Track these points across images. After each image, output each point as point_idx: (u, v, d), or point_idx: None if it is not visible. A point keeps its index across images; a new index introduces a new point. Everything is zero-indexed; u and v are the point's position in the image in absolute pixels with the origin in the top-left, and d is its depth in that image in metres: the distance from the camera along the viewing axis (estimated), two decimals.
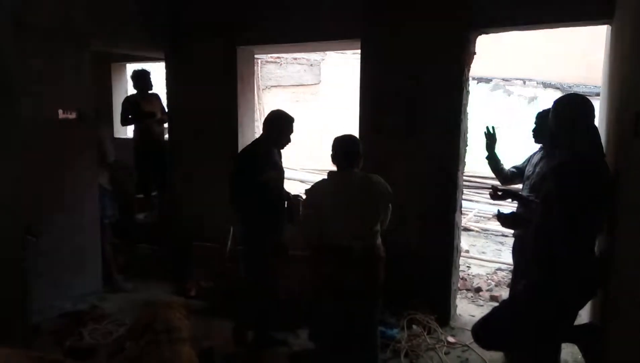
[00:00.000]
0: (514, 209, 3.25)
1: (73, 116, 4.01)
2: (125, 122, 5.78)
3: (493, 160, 3.56)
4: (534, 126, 3.32)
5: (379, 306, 3.00)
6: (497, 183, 3.61)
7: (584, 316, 3.36)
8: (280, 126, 3.39)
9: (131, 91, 7.19)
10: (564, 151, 2.55)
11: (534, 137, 3.34)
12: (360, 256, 2.76)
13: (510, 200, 3.30)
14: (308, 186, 3.40)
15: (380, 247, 2.89)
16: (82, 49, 4.13)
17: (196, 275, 4.54)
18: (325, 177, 2.94)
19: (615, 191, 2.37)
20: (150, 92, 5.48)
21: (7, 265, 3.79)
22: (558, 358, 2.85)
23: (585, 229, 2.35)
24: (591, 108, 2.49)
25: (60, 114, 3.92)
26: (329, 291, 2.87)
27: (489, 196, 3.36)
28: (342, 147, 2.85)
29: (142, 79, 5.51)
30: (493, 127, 3.57)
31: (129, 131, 7.37)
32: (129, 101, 5.64)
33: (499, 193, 3.20)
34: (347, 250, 2.74)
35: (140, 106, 5.51)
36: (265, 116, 3.53)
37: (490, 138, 3.52)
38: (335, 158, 2.87)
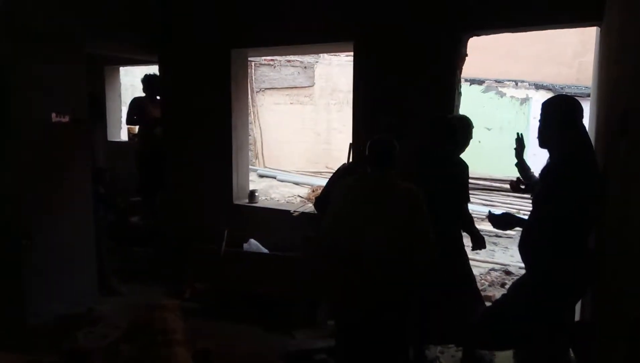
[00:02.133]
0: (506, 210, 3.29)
1: (66, 119, 4.01)
2: (130, 122, 5.83)
3: (521, 167, 3.35)
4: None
5: (403, 332, 2.66)
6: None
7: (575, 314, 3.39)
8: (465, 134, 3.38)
9: (124, 93, 7.24)
10: (554, 152, 2.59)
11: (539, 142, 3.27)
12: (393, 271, 2.46)
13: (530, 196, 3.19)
14: (305, 188, 3.37)
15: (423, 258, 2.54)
16: (77, 52, 4.13)
17: (191, 277, 4.54)
18: (357, 175, 2.74)
19: (604, 191, 2.40)
20: (158, 97, 5.51)
21: (2, 267, 3.80)
22: (568, 356, 2.86)
23: (574, 229, 2.38)
24: (579, 109, 2.53)
25: (54, 117, 3.92)
26: (353, 310, 2.58)
27: (509, 186, 3.43)
28: (379, 148, 2.63)
29: (152, 84, 5.55)
30: (521, 134, 3.42)
31: (123, 135, 7.38)
32: (136, 102, 5.66)
33: (522, 186, 3.22)
34: (362, 258, 2.47)
35: (147, 109, 5.54)
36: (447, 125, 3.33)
37: (520, 145, 3.34)
38: (369, 159, 2.65)
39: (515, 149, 3.36)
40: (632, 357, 1.55)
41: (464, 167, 3.20)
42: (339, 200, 2.65)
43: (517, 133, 3.44)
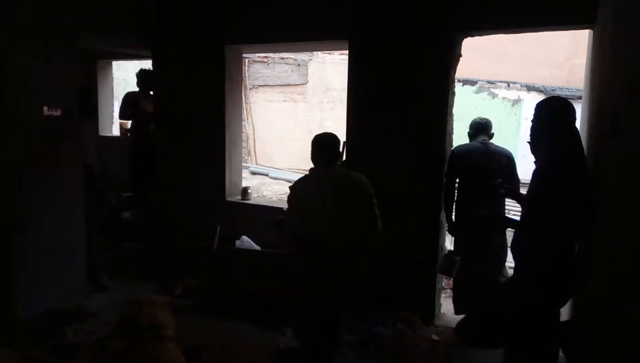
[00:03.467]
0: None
1: (58, 113, 3.97)
2: (123, 116, 5.79)
3: (515, 196, 3.32)
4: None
5: (356, 300, 3.09)
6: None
7: (563, 314, 3.43)
8: None
9: (117, 88, 7.18)
10: (545, 153, 2.61)
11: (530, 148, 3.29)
12: (342, 250, 2.81)
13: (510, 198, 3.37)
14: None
15: (371, 239, 2.91)
16: (69, 46, 4.10)
17: (182, 273, 4.52)
18: (307, 174, 2.99)
19: (594, 192, 2.43)
20: (151, 92, 5.48)
21: None
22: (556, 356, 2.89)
23: (564, 229, 2.40)
24: (572, 111, 2.55)
25: (45, 111, 3.88)
26: (313, 286, 2.93)
27: (493, 186, 3.35)
28: (323, 145, 2.91)
29: (146, 79, 5.52)
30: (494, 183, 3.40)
31: (115, 129, 7.33)
32: (130, 97, 5.62)
33: (502, 190, 3.25)
34: (325, 244, 2.80)
35: (141, 104, 5.51)
36: None
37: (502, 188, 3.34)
38: (315, 156, 2.93)
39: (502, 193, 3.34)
40: (632, 357, 1.56)
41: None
42: (299, 194, 2.93)
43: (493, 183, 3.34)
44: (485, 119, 4.00)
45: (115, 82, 7.23)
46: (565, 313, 3.42)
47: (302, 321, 3.08)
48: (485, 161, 3.76)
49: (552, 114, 2.54)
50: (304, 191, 2.92)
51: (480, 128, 3.94)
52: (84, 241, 4.35)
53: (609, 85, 2.40)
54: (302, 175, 3.09)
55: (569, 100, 2.65)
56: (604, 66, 2.63)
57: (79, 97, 4.22)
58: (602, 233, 2.22)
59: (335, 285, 2.87)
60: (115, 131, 7.32)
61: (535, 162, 2.79)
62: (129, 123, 6.08)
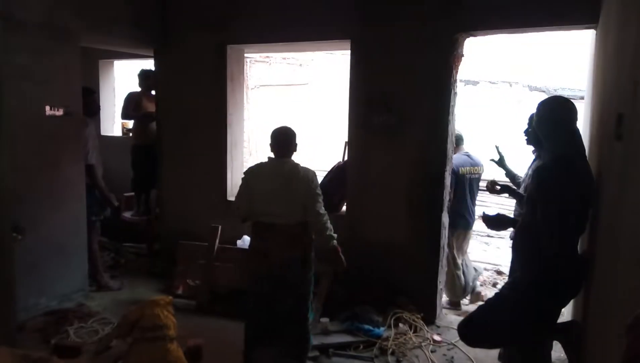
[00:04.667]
0: (499, 211, 3.31)
1: (60, 112, 3.97)
2: (125, 116, 5.81)
3: (509, 174, 3.89)
4: (526, 127, 3.40)
5: (306, 284, 3.14)
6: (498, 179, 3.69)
7: (565, 314, 3.42)
8: None
9: (118, 87, 7.17)
10: (547, 152, 2.60)
11: (526, 139, 3.43)
12: (283, 232, 3.01)
13: (507, 195, 3.51)
14: None
15: (309, 228, 3.08)
16: (72, 46, 4.10)
17: (183, 273, 4.52)
18: (265, 161, 3.19)
19: (597, 192, 2.42)
20: (153, 92, 5.48)
21: None
22: (549, 355, 2.89)
23: (566, 229, 2.40)
24: (573, 110, 2.54)
25: (47, 110, 3.88)
26: (258, 268, 3.10)
27: (486, 189, 3.53)
28: (277, 137, 3.13)
29: (148, 79, 5.53)
30: (497, 146, 3.90)
31: (116, 129, 7.32)
32: (132, 96, 5.63)
33: (497, 187, 3.39)
34: (271, 226, 3.03)
35: (142, 104, 5.52)
36: None
37: (499, 157, 3.88)
38: (272, 147, 3.14)
39: (496, 161, 3.88)
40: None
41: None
42: (250, 178, 3.14)
43: (495, 146, 3.85)
44: (459, 131, 4.40)
45: (116, 81, 7.22)
46: (567, 312, 3.41)
47: (249, 302, 3.20)
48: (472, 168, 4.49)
49: (555, 112, 2.53)
50: (255, 176, 3.14)
51: (460, 139, 4.45)
52: (86, 241, 4.35)
53: (612, 85, 2.39)
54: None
55: (572, 100, 2.64)
56: (608, 66, 2.63)
57: (82, 96, 4.22)
58: (605, 233, 2.21)
59: (277, 265, 3.02)
60: (117, 131, 7.32)
61: (535, 157, 2.81)
62: (130, 123, 6.08)
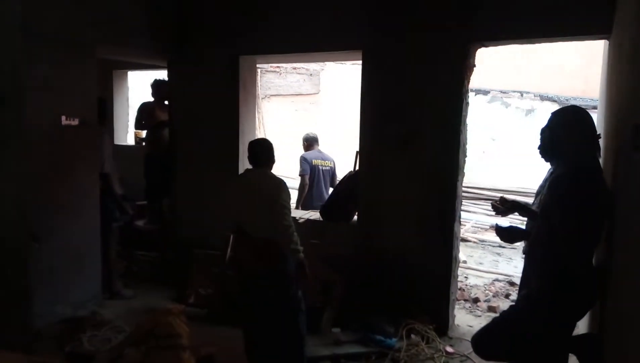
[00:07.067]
0: (511, 223, 3.24)
1: (76, 122, 4.03)
2: (139, 126, 5.90)
3: (525, 208, 2.97)
4: (539, 143, 3.27)
5: (288, 300, 3.07)
6: (507, 196, 3.31)
7: (581, 327, 3.38)
8: None
9: (132, 97, 7.27)
10: (563, 163, 2.58)
11: (540, 154, 3.22)
12: (254, 243, 3.05)
13: (517, 213, 3.00)
14: None
15: (283, 239, 3.03)
16: (88, 57, 4.17)
17: (195, 282, 4.54)
18: (243, 171, 3.36)
19: (613, 203, 2.40)
20: (166, 102, 5.55)
21: (9, 269, 3.81)
22: None
23: (583, 240, 2.37)
24: (589, 120, 2.52)
25: (64, 120, 3.94)
26: (236, 278, 3.21)
27: (492, 209, 3.03)
28: (252, 149, 3.22)
29: (161, 89, 5.60)
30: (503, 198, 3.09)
31: (129, 138, 7.41)
32: (145, 107, 5.70)
33: (506, 206, 2.91)
34: (243, 236, 3.09)
35: (155, 113, 5.58)
36: None
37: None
38: (248, 159, 3.24)
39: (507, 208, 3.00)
40: None
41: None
42: (232, 189, 3.30)
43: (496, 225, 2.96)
44: (314, 133, 5.24)
45: (130, 91, 7.31)
46: (583, 325, 3.37)
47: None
48: None
49: (571, 122, 2.52)
50: (235, 187, 3.29)
51: (314, 140, 5.27)
52: (99, 249, 4.39)
53: (627, 96, 2.38)
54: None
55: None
56: (623, 77, 2.62)
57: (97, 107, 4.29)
58: (621, 245, 2.19)
59: (250, 277, 3.07)
60: (130, 140, 7.40)
61: (552, 169, 2.73)
62: (143, 132, 6.15)
